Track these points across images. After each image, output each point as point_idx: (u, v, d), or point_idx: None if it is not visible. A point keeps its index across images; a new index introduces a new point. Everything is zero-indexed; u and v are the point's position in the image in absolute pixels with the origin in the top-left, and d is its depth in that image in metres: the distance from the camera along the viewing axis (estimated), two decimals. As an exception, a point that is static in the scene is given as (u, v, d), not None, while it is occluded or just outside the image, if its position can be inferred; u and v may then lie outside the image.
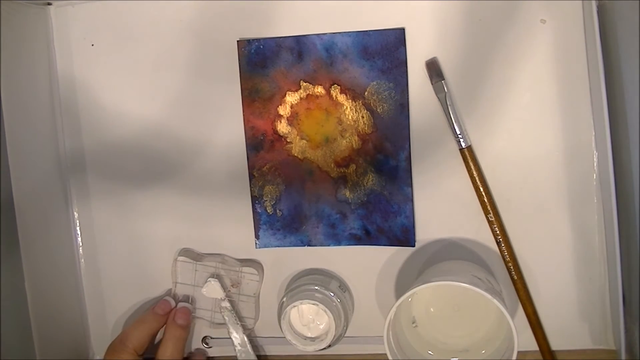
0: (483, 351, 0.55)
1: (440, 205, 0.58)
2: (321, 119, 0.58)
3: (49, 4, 0.62)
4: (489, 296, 0.48)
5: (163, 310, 0.60)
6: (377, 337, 0.60)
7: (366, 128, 0.58)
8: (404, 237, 0.58)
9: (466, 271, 0.54)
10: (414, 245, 0.59)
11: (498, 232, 0.56)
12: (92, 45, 0.62)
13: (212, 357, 0.65)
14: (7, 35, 0.56)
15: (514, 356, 0.49)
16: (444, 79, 0.55)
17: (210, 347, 0.64)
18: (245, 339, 0.61)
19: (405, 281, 0.60)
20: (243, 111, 0.60)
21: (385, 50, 0.57)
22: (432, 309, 0.57)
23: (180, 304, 0.61)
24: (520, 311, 0.58)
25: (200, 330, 0.64)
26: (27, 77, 0.59)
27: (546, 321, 0.57)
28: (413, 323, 0.57)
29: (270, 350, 0.63)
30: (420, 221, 0.59)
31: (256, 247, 0.61)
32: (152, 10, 0.60)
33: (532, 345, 0.58)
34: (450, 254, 0.58)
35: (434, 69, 0.56)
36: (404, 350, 0.54)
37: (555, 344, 0.58)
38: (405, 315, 0.57)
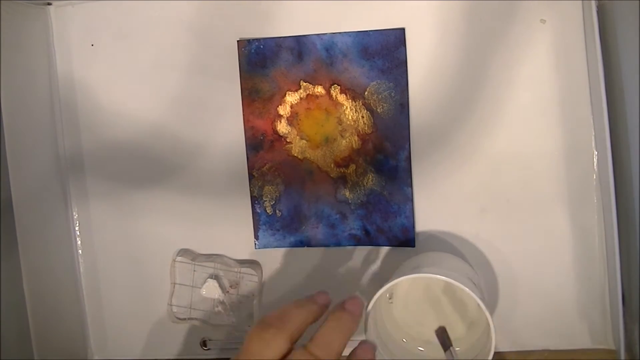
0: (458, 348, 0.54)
1: (440, 205, 0.58)
2: (321, 119, 0.58)
3: (49, 3, 0.62)
4: (469, 291, 0.47)
5: (325, 301, 0.46)
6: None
7: (366, 128, 0.58)
8: (404, 237, 0.58)
9: (459, 269, 0.53)
10: (414, 246, 0.59)
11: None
12: (92, 45, 0.62)
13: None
14: (6, 35, 0.56)
15: (491, 355, 0.48)
16: (451, 345, 0.51)
17: (209, 349, 0.64)
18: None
19: (405, 281, 0.60)
20: (243, 111, 0.60)
21: (385, 50, 0.57)
22: (410, 298, 0.56)
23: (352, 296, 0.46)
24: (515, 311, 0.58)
25: (199, 331, 0.64)
26: (26, 77, 0.59)
27: (546, 321, 0.58)
28: (390, 299, 0.56)
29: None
30: (420, 221, 0.59)
31: (255, 248, 0.61)
32: (152, 10, 0.61)
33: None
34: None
35: (442, 338, 0.53)
36: (378, 329, 0.53)
37: (555, 343, 0.58)
38: (384, 299, 0.55)
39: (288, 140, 0.59)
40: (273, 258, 0.62)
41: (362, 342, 0.45)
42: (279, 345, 0.40)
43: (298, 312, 0.42)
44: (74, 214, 0.64)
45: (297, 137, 0.59)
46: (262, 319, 0.42)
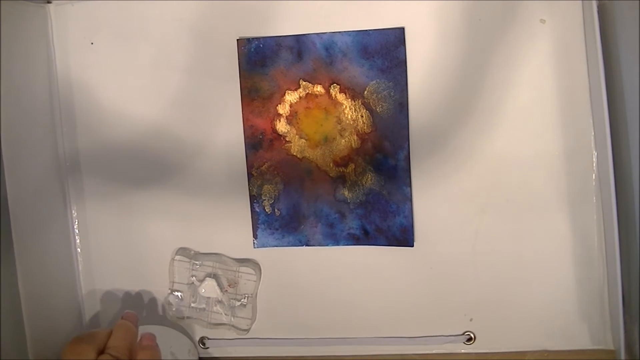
0: None
1: (439, 205, 0.58)
2: (320, 118, 0.58)
3: (49, 2, 0.62)
4: None
5: (131, 315, 0.57)
6: (376, 338, 0.61)
7: (365, 127, 0.58)
8: (403, 237, 0.58)
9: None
10: (412, 245, 0.59)
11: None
12: (92, 44, 0.62)
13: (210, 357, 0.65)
14: (6, 33, 0.55)
15: None
16: None
17: (207, 347, 0.64)
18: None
19: (403, 281, 0.59)
20: (242, 110, 0.60)
21: (384, 49, 0.57)
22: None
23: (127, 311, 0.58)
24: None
25: (197, 330, 0.64)
26: (25, 75, 0.59)
27: (546, 321, 0.57)
28: None
29: (267, 351, 0.63)
30: (419, 221, 0.58)
31: (254, 247, 0.61)
32: (152, 9, 0.60)
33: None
34: (449, 254, 0.58)
35: None
36: None
37: (555, 344, 0.58)
38: None
39: (287, 140, 0.59)
40: (272, 257, 0.62)
41: (144, 333, 0.55)
42: (87, 354, 0.50)
43: (102, 331, 0.53)
44: (73, 212, 0.64)
45: (297, 136, 0.59)
46: (74, 337, 0.52)
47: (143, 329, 0.56)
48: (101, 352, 0.51)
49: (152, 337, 0.55)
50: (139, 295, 0.64)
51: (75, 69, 0.63)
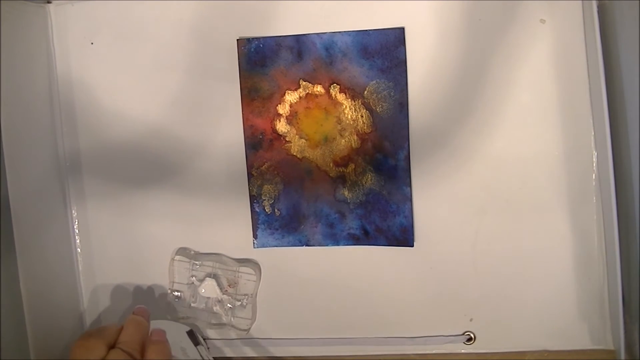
0: None
1: (439, 205, 0.58)
2: (320, 118, 0.58)
3: (49, 2, 0.62)
4: None
5: (142, 310, 0.57)
6: (376, 338, 0.61)
7: (365, 127, 0.58)
8: (403, 237, 0.58)
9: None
10: (412, 245, 0.59)
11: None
12: (92, 44, 0.62)
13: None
14: (6, 33, 0.55)
15: None
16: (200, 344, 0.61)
17: (208, 347, 0.64)
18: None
19: (403, 281, 0.59)
20: (242, 110, 0.60)
21: (384, 49, 0.57)
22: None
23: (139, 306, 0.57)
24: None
25: (197, 330, 0.64)
26: (25, 75, 0.59)
27: (546, 321, 0.58)
28: None
29: (267, 351, 0.63)
30: (419, 221, 0.58)
31: (254, 247, 0.61)
32: (152, 9, 0.60)
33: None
34: (449, 254, 0.58)
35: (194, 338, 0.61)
36: None
37: (555, 344, 0.58)
38: None
39: (287, 140, 0.59)
40: (271, 257, 0.62)
41: (154, 329, 0.54)
42: (98, 349, 0.49)
43: (112, 326, 0.53)
44: (73, 212, 0.64)
45: (297, 136, 0.59)
46: (84, 332, 0.52)
47: (154, 324, 0.56)
48: (112, 347, 0.50)
49: (162, 332, 0.54)
50: (139, 295, 0.64)
51: (75, 69, 0.63)
